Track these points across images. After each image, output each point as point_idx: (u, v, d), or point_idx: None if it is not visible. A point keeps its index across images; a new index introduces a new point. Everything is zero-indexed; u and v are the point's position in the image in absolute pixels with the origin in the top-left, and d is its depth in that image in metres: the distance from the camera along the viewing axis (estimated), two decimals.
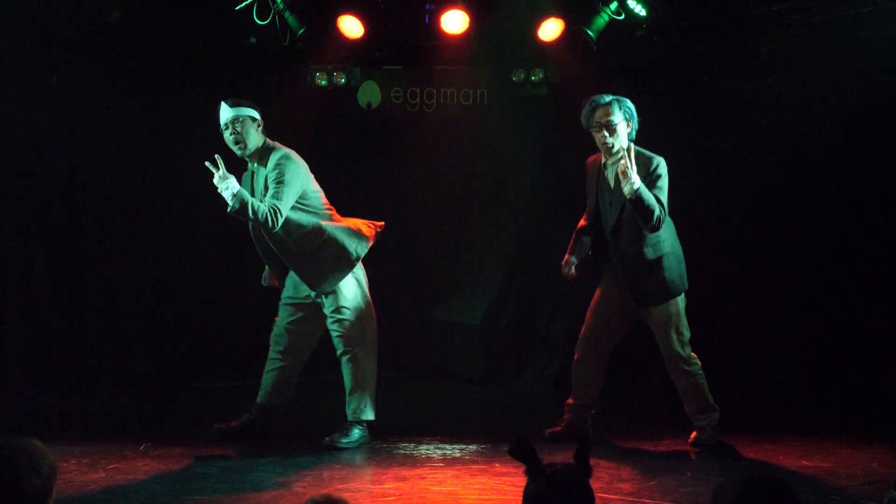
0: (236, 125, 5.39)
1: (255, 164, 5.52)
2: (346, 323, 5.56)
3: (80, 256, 7.27)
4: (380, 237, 5.77)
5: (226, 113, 5.43)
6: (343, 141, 7.80)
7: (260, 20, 6.76)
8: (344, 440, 5.48)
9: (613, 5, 6.76)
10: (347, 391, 5.57)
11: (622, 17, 6.79)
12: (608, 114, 5.28)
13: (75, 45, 6.96)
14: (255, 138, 5.43)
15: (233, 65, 7.33)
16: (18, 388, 6.84)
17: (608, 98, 5.32)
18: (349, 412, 5.55)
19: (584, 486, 2.20)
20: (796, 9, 6.70)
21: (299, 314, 5.67)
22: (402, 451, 5.45)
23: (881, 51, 6.58)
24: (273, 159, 5.40)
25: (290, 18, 6.84)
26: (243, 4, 6.73)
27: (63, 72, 7.00)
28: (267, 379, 5.73)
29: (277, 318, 5.76)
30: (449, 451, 5.44)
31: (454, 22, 6.95)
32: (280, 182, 5.31)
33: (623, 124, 5.32)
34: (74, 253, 7.23)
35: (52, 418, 6.27)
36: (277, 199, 5.27)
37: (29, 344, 7.04)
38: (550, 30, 6.96)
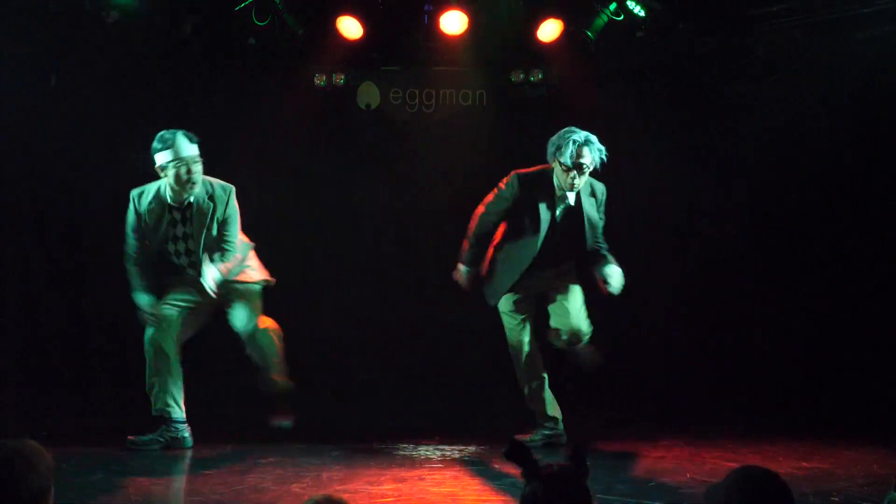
0: (196, 165, 5.22)
1: (192, 196, 5.34)
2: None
3: (80, 256, 7.27)
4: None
5: (190, 149, 5.21)
6: (342, 142, 7.80)
7: (259, 21, 6.76)
8: None
9: (612, 6, 6.76)
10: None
11: (621, 17, 6.79)
12: (583, 155, 5.23)
13: (74, 46, 6.96)
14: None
15: (232, 66, 7.33)
16: (18, 388, 6.85)
17: (583, 137, 5.25)
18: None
19: (581, 487, 2.20)
20: (794, 10, 6.70)
21: (192, 305, 5.54)
22: (401, 453, 5.45)
23: (879, 51, 6.59)
24: (223, 196, 5.37)
25: (290, 19, 6.85)
26: (242, 5, 6.74)
27: (62, 72, 7.00)
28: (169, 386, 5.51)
29: (159, 317, 5.46)
30: (448, 453, 5.44)
31: (453, 23, 6.96)
32: (234, 223, 5.44)
33: (591, 168, 5.31)
34: (74, 253, 7.24)
35: (51, 418, 6.27)
36: (233, 240, 5.44)
37: (29, 344, 7.05)
38: (549, 31, 6.97)
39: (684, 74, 7.33)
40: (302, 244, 7.81)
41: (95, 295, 7.31)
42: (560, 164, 5.28)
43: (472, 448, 5.52)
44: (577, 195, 5.40)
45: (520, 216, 5.44)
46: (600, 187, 5.49)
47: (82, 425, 6.13)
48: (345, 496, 2.44)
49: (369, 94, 7.43)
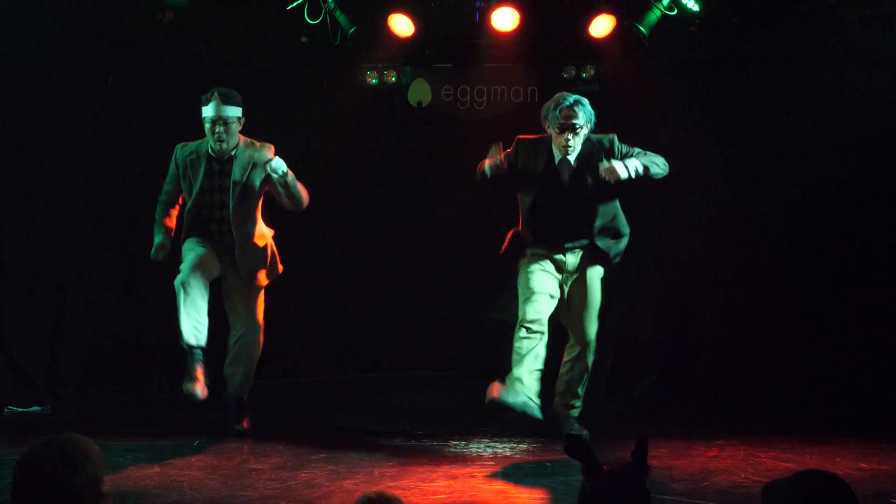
0: (230, 124, 5.57)
1: (236, 150, 5.65)
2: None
3: (136, 252, 7.34)
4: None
5: (226, 109, 5.55)
6: (393, 139, 7.82)
7: (311, 20, 6.82)
8: None
9: (666, 1, 6.69)
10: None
11: (675, 12, 6.72)
12: (573, 115, 5.28)
13: (130, 47, 7.05)
14: (235, 137, 5.64)
15: (284, 64, 7.39)
16: (74, 385, 6.94)
17: (571, 99, 5.32)
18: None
19: (641, 484, 2.18)
20: (852, 3, 6.58)
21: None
22: (453, 450, 5.45)
23: None
24: (265, 150, 5.61)
25: (341, 17, 6.89)
26: (295, 4, 6.79)
27: (118, 73, 7.10)
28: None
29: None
30: (500, 450, 5.43)
31: (504, 19, 6.94)
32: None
33: (585, 128, 5.32)
34: (130, 248, 7.30)
35: (107, 413, 6.36)
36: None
37: (84, 341, 7.13)
38: (602, 26, 6.92)
39: (738, 70, 7.23)
40: (354, 241, 7.85)
41: (150, 292, 7.37)
42: (553, 128, 5.32)
43: (524, 445, 5.51)
44: (579, 163, 5.38)
45: (522, 180, 5.46)
46: (607, 139, 5.42)
47: (138, 421, 6.22)
48: (397, 492, 2.44)
49: (421, 92, 7.44)
